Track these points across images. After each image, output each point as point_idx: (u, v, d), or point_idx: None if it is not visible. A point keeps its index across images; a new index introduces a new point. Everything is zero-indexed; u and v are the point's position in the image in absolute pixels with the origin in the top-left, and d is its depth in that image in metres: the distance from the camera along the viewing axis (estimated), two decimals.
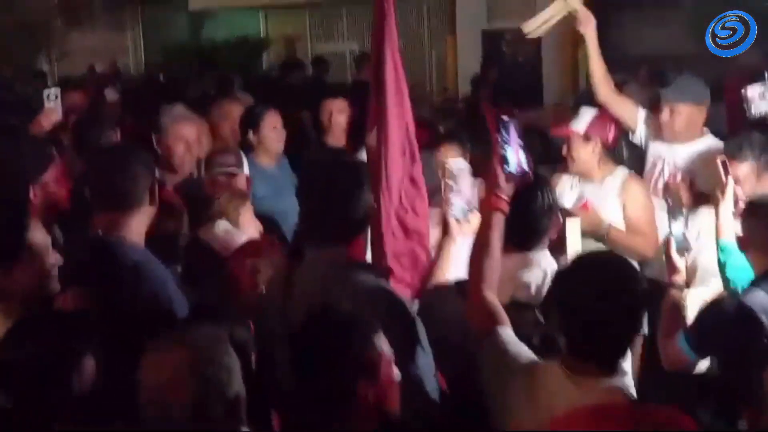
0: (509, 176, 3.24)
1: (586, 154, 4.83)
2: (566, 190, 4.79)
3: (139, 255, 3.40)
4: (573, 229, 4.00)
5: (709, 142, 5.09)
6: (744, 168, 4.47)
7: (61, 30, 11.98)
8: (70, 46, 12.83)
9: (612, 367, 2.77)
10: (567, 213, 4.06)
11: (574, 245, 3.91)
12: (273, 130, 5.78)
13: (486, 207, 3.24)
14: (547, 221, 3.68)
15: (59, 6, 11.74)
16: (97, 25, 16.53)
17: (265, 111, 5.88)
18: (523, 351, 2.92)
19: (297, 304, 3.07)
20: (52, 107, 6.15)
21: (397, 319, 3.04)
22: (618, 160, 5.13)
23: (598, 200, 4.65)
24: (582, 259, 3.06)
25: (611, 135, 5.06)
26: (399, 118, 3.93)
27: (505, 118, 3.36)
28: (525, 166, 3.26)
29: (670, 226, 4.14)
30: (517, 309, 3.25)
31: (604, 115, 4.94)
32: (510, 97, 10.36)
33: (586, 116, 4.94)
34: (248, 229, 4.46)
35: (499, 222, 3.18)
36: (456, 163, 4.05)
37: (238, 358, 2.65)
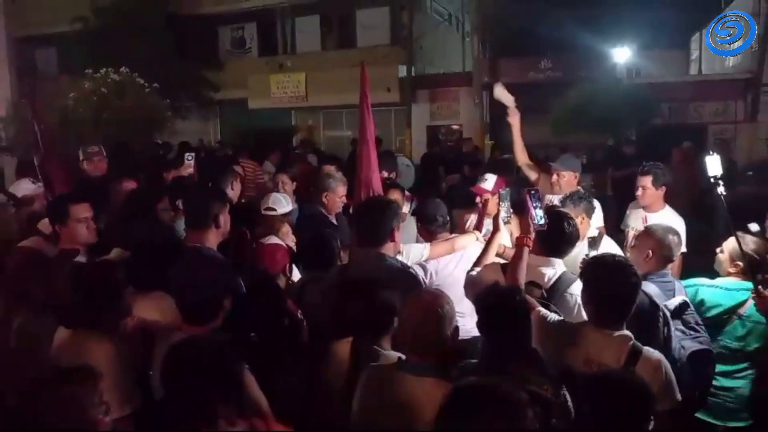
0: (535, 226, 3.26)
1: (493, 203, 4.36)
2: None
3: (211, 252, 3.41)
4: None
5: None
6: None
7: (171, 119, 11.97)
8: (176, 129, 12.77)
9: (621, 323, 2.77)
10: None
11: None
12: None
13: (520, 243, 3.27)
14: (568, 242, 3.46)
15: (170, 105, 11.71)
16: (191, 116, 16.36)
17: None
18: (556, 317, 2.95)
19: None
20: (189, 163, 6.11)
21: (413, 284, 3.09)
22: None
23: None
24: (597, 258, 3.09)
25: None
26: (374, 171, 4.02)
27: (532, 190, 3.32)
28: (544, 221, 3.26)
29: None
30: (533, 287, 3.22)
31: (500, 179, 4.63)
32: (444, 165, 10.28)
33: (491, 180, 4.66)
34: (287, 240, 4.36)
35: (526, 252, 3.23)
36: (505, 191, 4.01)
37: None
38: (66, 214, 3.80)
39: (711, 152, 3.62)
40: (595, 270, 2.88)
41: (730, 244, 3.65)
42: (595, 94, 12.36)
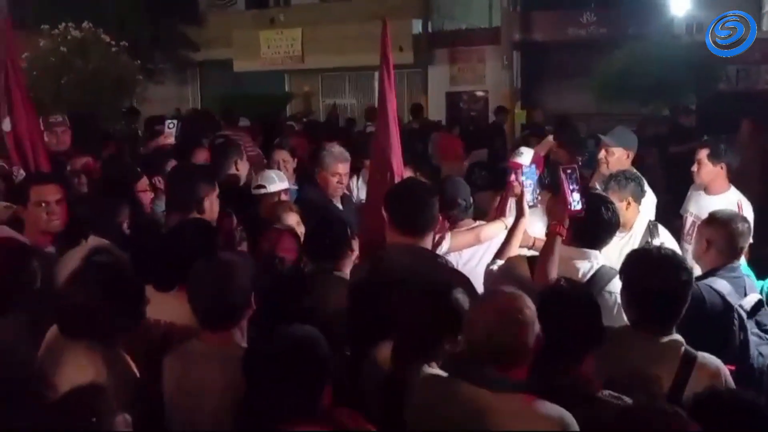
0: (570, 211, 3.24)
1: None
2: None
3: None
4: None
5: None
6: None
7: (142, 84, 12.02)
8: (149, 96, 12.83)
9: (670, 328, 2.76)
10: None
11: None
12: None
13: (552, 231, 3.26)
14: (606, 231, 3.43)
15: (141, 67, 11.80)
16: (167, 80, 16.40)
17: None
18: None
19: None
20: (171, 132, 6.22)
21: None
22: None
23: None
24: (638, 251, 3.11)
25: (542, 168, 4.80)
26: (395, 151, 3.96)
27: (569, 169, 3.29)
28: (581, 205, 3.23)
29: None
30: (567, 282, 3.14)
31: (537, 155, 4.83)
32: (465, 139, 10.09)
33: (527, 154, 4.74)
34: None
35: (558, 242, 3.22)
36: (529, 167, 4.05)
37: None
38: (25, 195, 3.82)
39: None
40: (636, 264, 2.85)
41: None
42: (647, 54, 12.34)
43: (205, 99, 17.88)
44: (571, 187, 3.21)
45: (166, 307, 3.04)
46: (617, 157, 4.96)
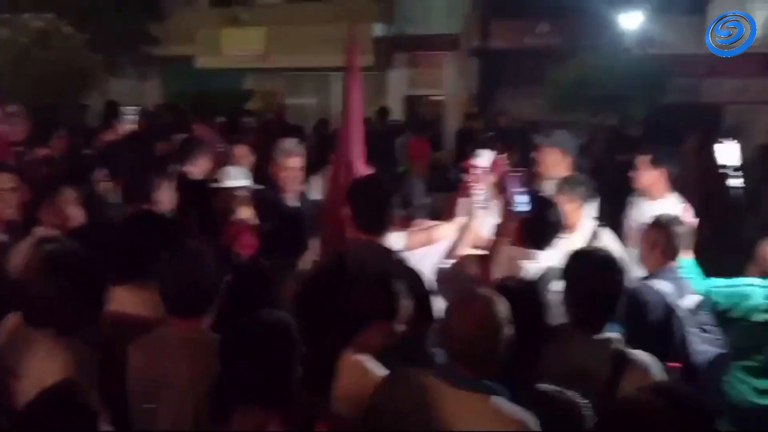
0: (517, 213, 3.35)
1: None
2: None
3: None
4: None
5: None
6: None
7: (103, 78, 11.82)
8: (110, 90, 12.62)
9: (603, 326, 2.85)
10: None
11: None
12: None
13: (498, 233, 3.38)
14: (551, 232, 3.56)
15: (103, 61, 11.61)
16: (128, 76, 16.13)
17: None
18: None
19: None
20: (130, 120, 5.90)
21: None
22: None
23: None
24: (578, 252, 3.11)
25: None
26: (360, 154, 4.01)
27: (513, 173, 3.46)
28: (526, 206, 3.34)
29: None
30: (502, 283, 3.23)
31: (498, 158, 4.85)
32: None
33: (486, 155, 4.83)
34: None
35: (504, 243, 3.32)
36: (481, 168, 4.05)
37: None
38: None
39: (730, 138, 3.61)
40: (575, 265, 2.94)
41: None
42: (598, 65, 12.49)
43: (167, 95, 17.61)
44: (516, 190, 3.32)
45: (121, 300, 3.02)
46: (552, 158, 5.09)
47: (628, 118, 12.10)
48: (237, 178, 4.97)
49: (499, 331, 2.37)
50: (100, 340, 2.77)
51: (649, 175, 4.91)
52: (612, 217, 5.30)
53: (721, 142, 3.56)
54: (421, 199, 4.29)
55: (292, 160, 5.02)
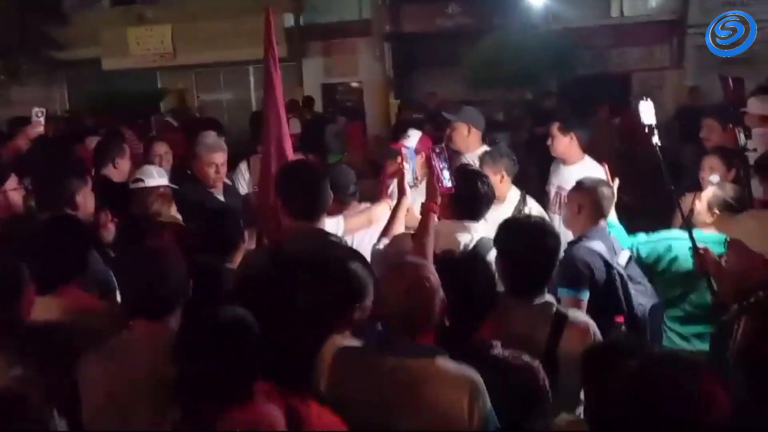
0: (443, 188, 3.30)
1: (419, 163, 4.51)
2: None
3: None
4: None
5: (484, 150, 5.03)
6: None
7: (4, 84, 11.32)
8: (12, 98, 12.11)
9: (542, 291, 2.91)
10: None
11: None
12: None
13: (425, 209, 3.31)
14: (483, 203, 3.60)
15: (4, 67, 11.12)
16: (32, 82, 15.50)
17: None
18: None
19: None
20: (39, 120, 5.95)
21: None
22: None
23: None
24: (509, 221, 3.19)
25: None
26: (286, 139, 3.98)
27: (438, 149, 3.37)
28: (451, 182, 3.32)
29: None
30: (448, 255, 3.25)
31: (425, 136, 4.93)
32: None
33: (414, 136, 4.83)
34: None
35: (433, 218, 3.27)
36: (409, 148, 4.14)
37: None
38: None
39: (645, 98, 3.75)
40: (508, 234, 2.99)
41: (708, 193, 3.86)
42: (510, 43, 12.79)
43: (74, 99, 17.05)
44: (440, 166, 3.32)
45: (45, 308, 2.88)
46: (459, 132, 5.16)
47: (543, 92, 12.39)
48: (158, 177, 4.85)
49: (431, 292, 2.41)
50: (29, 351, 2.60)
51: (562, 141, 5.06)
52: (534, 187, 5.47)
53: (645, 100, 3.66)
54: (351, 184, 4.27)
55: (215, 155, 4.94)
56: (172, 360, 2.20)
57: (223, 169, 5.06)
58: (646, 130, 3.76)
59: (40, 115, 6.02)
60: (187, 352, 2.19)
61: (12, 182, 4.40)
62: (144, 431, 2.47)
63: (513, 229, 3.02)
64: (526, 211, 4.44)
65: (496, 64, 12.53)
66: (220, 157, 4.98)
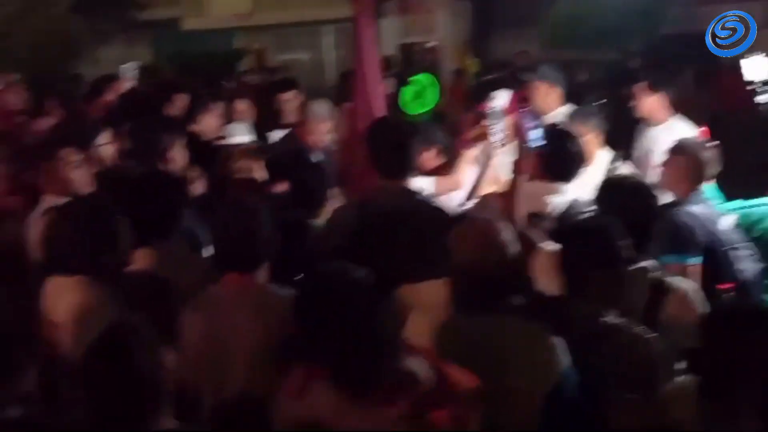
0: (531, 149, 3.32)
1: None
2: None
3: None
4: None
5: (566, 110, 4.97)
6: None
7: (89, 44, 11.59)
8: (97, 58, 12.40)
9: (640, 254, 2.81)
10: None
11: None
12: None
13: (514, 170, 3.36)
14: (573, 163, 3.51)
15: (89, 27, 11.38)
16: (115, 41, 15.82)
17: None
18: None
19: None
20: (129, 78, 5.98)
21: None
22: None
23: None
24: (609, 180, 3.17)
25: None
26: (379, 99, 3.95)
27: (525, 107, 3.34)
28: (541, 140, 3.31)
29: None
30: (538, 218, 3.27)
31: (516, 94, 4.82)
32: None
33: (502, 96, 4.79)
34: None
35: (522, 180, 3.30)
36: (497, 108, 3.98)
37: None
38: None
39: (751, 54, 3.51)
40: (607, 193, 2.92)
41: None
42: (593, 0, 12.35)
43: (155, 59, 17.32)
44: (529, 125, 3.24)
45: (140, 262, 2.95)
46: (543, 92, 5.06)
47: (628, 52, 11.95)
48: (243, 134, 4.90)
49: (500, 250, 2.36)
50: (134, 298, 2.66)
51: (648, 101, 4.87)
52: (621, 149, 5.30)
53: (746, 58, 3.45)
54: (441, 141, 4.22)
55: (323, 125, 4.96)
56: (293, 319, 2.12)
57: (327, 138, 5.09)
58: (748, 88, 3.58)
59: (132, 69, 5.99)
60: (308, 309, 2.10)
61: (104, 137, 4.48)
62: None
63: (615, 188, 2.94)
64: (621, 171, 4.31)
65: (578, 22, 12.16)
66: (327, 128, 5.02)
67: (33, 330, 2.51)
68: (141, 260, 2.97)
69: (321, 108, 5.13)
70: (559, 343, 2.30)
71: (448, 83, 13.15)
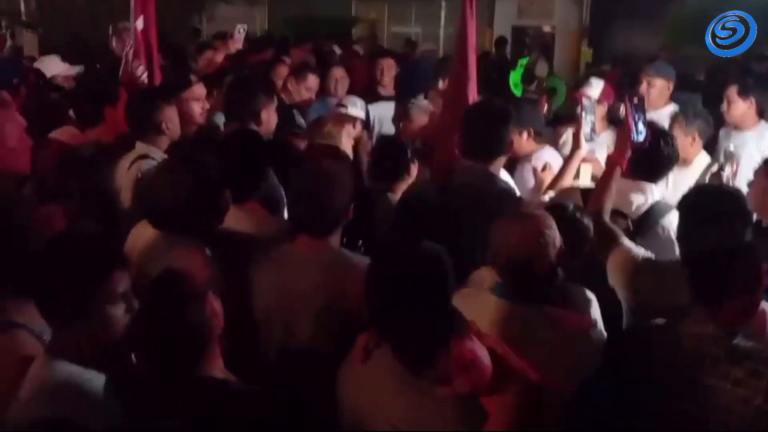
0: (634, 142, 3.15)
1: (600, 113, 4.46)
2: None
3: None
4: (585, 172, 3.95)
5: (671, 109, 4.89)
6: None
7: (214, 2, 11.91)
8: (217, 13, 12.74)
9: None
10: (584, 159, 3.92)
11: (585, 182, 3.86)
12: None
13: (612, 161, 3.20)
14: (663, 164, 3.40)
15: None
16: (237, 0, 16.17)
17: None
18: (644, 253, 2.91)
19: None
20: (240, 37, 6.06)
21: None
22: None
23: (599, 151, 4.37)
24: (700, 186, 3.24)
25: (612, 101, 4.94)
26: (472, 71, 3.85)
27: (636, 99, 3.21)
28: (644, 136, 3.14)
29: None
30: (618, 216, 3.22)
31: (608, 87, 4.86)
32: None
33: (597, 85, 4.74)
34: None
35: (617, 172, 3.16)
36: (589, 99, 3.95)
37: None
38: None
39: None
40: (695, 199, 2.81)
41: None
42: None
43: (272, 20, 17.67)
44: (636, 117, 3.11)
45: (229, 220, 2.98)
46: (658, 89, 5.00)
47: (755, 54, 11.32)
48: (354, 104, 4.93)
49: (542, 247, 2.36)
50: (216, 255, 2.72)
51: (740, 107, 4.72)
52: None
53: None
54: (538, 126, 4.16)
55: (422, 119, 4.99)
56: (366, 294, 2.08)
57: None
58: None
59: (242, 31, 6.24)
60: (379, 283, 2.05)
61: (195, 92, 4.43)
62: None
63: (704, 194, 2.84)
64: (713, 181, 4.12)
65: (705, 18, 11.63)
66: (423, 121, 4.96)
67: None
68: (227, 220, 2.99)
69: (425, 105, 5.11)
70: (596, 344, 2.32)
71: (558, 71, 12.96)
